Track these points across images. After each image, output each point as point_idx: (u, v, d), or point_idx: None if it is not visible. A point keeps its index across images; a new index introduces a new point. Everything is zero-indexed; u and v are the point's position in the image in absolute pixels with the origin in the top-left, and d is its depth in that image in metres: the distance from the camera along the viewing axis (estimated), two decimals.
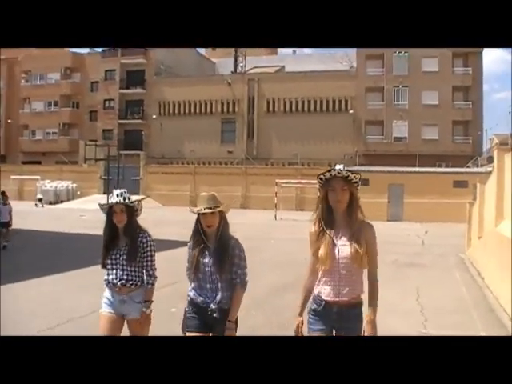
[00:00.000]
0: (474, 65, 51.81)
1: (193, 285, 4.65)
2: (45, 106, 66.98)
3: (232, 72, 63.35)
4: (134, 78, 60.89)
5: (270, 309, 9.25)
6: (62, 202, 48.82)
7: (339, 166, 4.06)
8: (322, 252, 3.99)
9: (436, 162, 46.50)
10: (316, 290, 4.12)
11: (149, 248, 5.07)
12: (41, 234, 22.85)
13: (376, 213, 33.27)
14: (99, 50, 64.47)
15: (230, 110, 57.40)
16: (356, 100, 52.93)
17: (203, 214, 4.48)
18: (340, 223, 4.06)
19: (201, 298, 4.56)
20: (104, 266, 5.11)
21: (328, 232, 4.02)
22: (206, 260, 4.55)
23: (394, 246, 19.85)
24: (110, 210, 5.04)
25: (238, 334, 4.46)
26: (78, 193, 50.61)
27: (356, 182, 4.03)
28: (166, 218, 32.83)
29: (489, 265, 12.43)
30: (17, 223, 24.05)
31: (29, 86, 67.21)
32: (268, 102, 56.10)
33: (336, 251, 3.99)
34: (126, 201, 5.01)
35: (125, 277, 4.98)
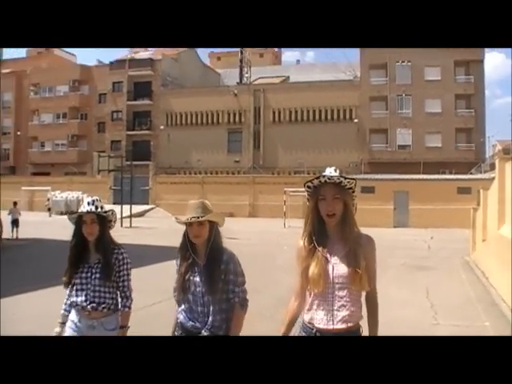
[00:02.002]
0: (476, 73, 52.65)
1: (182, 306, 4.04)
2: (53, 118, 67.77)
3: (237, 83, 64.33)
4: (142, 89, 61.91)
5: None
6: (72, 212, 49.44)
7: (330, 170, 3.54)
8: (313, 271, 3.43)
9: (440, 169, 47.21)
10: (306, 317, 3.54)
11: (125, 266, 4.41)
12: (59, 243, 23.55)
13: (382, 219, 34.25)
14: (107, 62, 65.74)
15: (237, 120, 58.34)
16: (360, 109, 53.81)
17: (189, 224, 3.96)
18: (333, 237, 3.51)
19: (191, 323, 3.95)
20: (68, 286, 4.39)
21: (320, 248, 3.46)
22: (197, 279, 3.96)
23: (402, 251, 20.74)
24: (79, 220, 4.35)
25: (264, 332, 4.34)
26: None
27: (351, 189, 3.53)
28: (176, 227, 33.69)
29: (492, 265, 13.29)
30: (32, 233, 25.03)
31: (38, 99, 68.14)
32: (274, 112, 57.01)
33: (330, 270, 3.43)
34: (99, 210, 4.34)
35: (96, 300, 4.26)
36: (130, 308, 4.41)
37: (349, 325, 3.38)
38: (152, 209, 48.63)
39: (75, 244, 4.38)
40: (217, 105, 57.94)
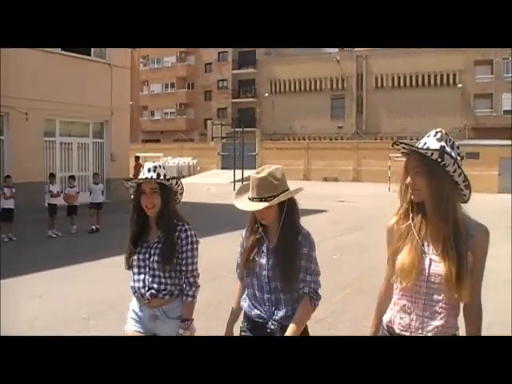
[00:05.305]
0: None
1: (247, 292, 3.51)
2: (162, 88, 71.75)
3: (339, 49, 64.92)
4: (246, 58, 64.17)
5: None
6: (183, 177, 52.34)
7: (432, 132, 2.76)
8: (403, 259, 2.64)
9: None
10: (385, 318, 2.81)
11: (189, 246, 3.59)
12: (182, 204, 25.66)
13: (486, 185, 34.66)
14: None
15: (339, 86, 59.39)
16: (464, 73, 53.46)
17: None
18: (431, 221, 2.64)
19: (256, 312, 3.40)
20: (130, 268, 3.73)
21: (415, 232, 2.65)
22: (263, 261, 3.36)
23: (509, 215, 21.56)
24: (138, 189, 3.62)
25: None
26: (198, 168, 54.04)
27: (442, 161, 2.56)
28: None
29: None
30: None
31: (147, 70, 72.05)
32: (376, 78, 57.71)
33: (426, 264, 2.61)
34: (161, 178, 3.54)
35: (155, 285, 3.59)
36: (194, 297, 3.62)
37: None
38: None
39: (134, 219, 3.69)
40: (319, 71, 59.20)
